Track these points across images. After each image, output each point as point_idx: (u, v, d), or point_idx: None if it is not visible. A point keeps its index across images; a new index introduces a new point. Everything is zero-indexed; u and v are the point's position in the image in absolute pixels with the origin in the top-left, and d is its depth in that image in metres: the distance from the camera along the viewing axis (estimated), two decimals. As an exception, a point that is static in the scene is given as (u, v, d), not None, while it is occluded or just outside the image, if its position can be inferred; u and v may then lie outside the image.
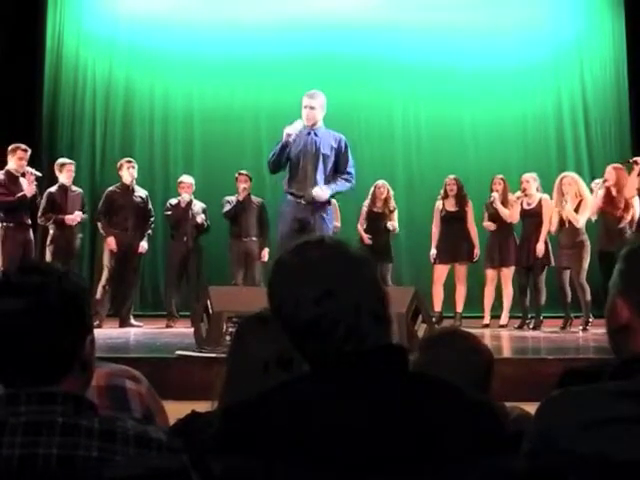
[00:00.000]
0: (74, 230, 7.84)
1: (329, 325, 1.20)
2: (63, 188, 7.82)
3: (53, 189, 7.79)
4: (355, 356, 1.20)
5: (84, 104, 9.90)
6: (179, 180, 8.51)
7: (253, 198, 8.36)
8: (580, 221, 7.46)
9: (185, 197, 8.24)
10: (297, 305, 1.22)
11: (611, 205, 7.35)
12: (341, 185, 6.08)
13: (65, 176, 7.83)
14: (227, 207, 8.29)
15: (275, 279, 1.28)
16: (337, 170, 6.06)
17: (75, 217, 7.77)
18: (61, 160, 8.09)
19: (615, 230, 7.26)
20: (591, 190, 7.56)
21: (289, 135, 5.95)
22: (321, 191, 5.92)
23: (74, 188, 8.00)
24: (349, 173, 6.09)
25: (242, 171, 8.35)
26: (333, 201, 8.34)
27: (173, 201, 8.40)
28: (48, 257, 7.58)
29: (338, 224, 8.31)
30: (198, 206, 8.37)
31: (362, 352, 1.20)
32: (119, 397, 1.76)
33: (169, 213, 8.34)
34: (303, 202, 5.94)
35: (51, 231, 7.73)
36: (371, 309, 1.23)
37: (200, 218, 8.29)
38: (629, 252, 1.24)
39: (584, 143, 9.97)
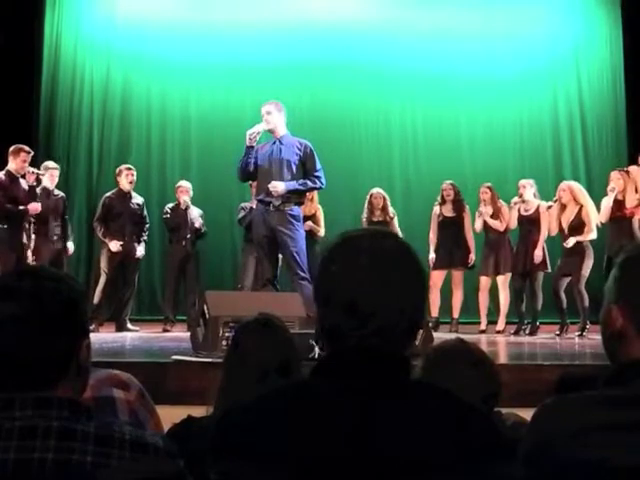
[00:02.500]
0: (51, 237, 7.74)
1: (369, 313, 1.19)
2: (46, 191, 7.76)
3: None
4: (360, 359, 1.19)
5: (81, 108, 9.89)
6: (177, 185, 8.51)
7: None
8: (591, 235, 7.43)
9: (186, 200, 8.25)
10: (351, 282, 1.20)
11: (619, 211, 7.34)
12: (303, 184, 6.15)
13: (50, 181, 7.78)
14: (242, 213, 8.31)
15: (341, 249, 1.26)
16: (305, 175, 6.18)
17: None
18: (45, 163, 8.00)
19: (624, 236, 7.21)
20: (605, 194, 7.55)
21: (251, 134, 6.13)
22: (277, 185, 6.02)
23: (56, 192, 7.96)
24: (316, 176, 6.18)
25: None
26: (318, 207, 8.35)
27: (171, 205, 8.40)
28: (31, 262, 7.51)
29: (321, 230, 8.23)
30: (195, 211, 8.37)
31: (367, 357, 1.19)
32: (107, 408, 1.74)
33: (167, 217, 8.35)
34: (272, 208, 6.05)
35: (33, 236, 7.66)
36: (412, 318, 1.23)
37: (198, 222, 8.32)
38: (625, 259, 1.24)
39: (581, 149, 9.99)
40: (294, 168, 6.12)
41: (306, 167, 6.15)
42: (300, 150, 6.16)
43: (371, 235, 1.27)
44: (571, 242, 7.40)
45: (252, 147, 6.16)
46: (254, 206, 8.18)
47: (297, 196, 6.18)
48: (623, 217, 7.33)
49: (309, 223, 7.93)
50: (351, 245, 1.25)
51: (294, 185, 6.08)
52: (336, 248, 1.26)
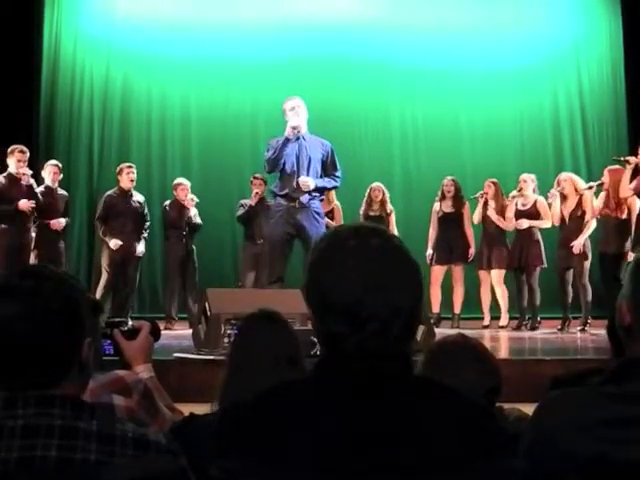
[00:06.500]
0: (58, 234, 7.73)
1: (366, 316, 1.15)
2: (49, 190, 7.73)
3: (39, 190, 7.57)
4: (359, 361, 1.18)
5: (81, 106, 9.87)
6: (175, 182, 8.50)
7: (267, 201, 8.38)
8: (592, 224, 7.43)
9: (186, 199, 8.25)
10: (344, 287, 1.16)
11: (608, 207, 7.33)
12: (328, 182, 6.36)
13: (50, 178, 7.73)
14: (240, 211, 8.32)
15: (329, 252, 1.21)
16: (326, 174, 6.33)
17: (60, 222, 7.64)
18: (49, 162, 7.96)
19: (614, 232, 7.22)
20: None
21: (294, 128, 6.18)
22: (308, 180, 6.13)
23: (60, 191, 7.93)
24: (337, 176, 6.39)
25: (257, 175, 8.36)
26: (336, 203, 8.40)
27: (169, 202, 8.40)
28: (33, 261, 7.50)
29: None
30: (193, 209, 8.38)
31: (367, 358, 1.18)
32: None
33: (167, 214, 8.35)
34: (297, 205, 6.10)
35: (33, 234, 7.66)
36: (408, 315, 1.19)
37: (197, 219, 8.33)
38: None
39: (581, 144, 9.97)
40: (318, 167, 6.26)
41: (327, 166, 6.30)
42: (323, 150, 6.31)
43: (357, 234, 1.21)
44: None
45: (289, 140, 6.22)
46: (253, 204, 8.23)
47: (321, 193, 6.35)
48: (612, 214, 7.27)
49: (326, 220, 7.98)
50: (338, 247, 1.20)
51: (322, 182, 6.26)
52: (323, 252, 1.22)
